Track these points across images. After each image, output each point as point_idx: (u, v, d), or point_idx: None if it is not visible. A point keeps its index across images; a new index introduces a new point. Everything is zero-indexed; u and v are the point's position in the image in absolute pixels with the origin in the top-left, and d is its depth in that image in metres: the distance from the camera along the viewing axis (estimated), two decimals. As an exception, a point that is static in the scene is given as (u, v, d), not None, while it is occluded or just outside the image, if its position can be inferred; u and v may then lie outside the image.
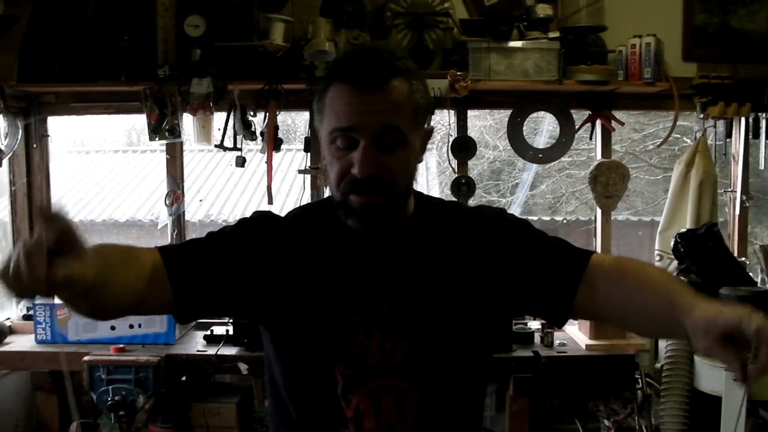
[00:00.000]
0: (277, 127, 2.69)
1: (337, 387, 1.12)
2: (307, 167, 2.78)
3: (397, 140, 1.10)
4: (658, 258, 2.76)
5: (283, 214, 1.26)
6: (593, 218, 3.11)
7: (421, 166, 1.23)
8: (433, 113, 1.28)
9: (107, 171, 6.64)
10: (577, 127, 2.88)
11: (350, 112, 1.08)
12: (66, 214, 0.84)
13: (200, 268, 1.13)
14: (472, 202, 2.92)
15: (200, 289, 1.13)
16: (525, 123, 2.88)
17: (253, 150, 2.87)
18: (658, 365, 2.56)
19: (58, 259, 0.82)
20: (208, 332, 2.61)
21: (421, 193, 1.27)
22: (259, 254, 1.16)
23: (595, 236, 3.02)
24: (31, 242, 0.81)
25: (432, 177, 6.16)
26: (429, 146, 1.27)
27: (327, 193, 2.75)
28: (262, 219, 1.23)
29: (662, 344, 2.52)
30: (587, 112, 2.87)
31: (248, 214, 1.26)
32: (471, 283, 1.18)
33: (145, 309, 1.14)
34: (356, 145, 1.09)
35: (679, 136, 5.01)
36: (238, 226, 1.21)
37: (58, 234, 0.82)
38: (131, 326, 2.56)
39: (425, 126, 1.19)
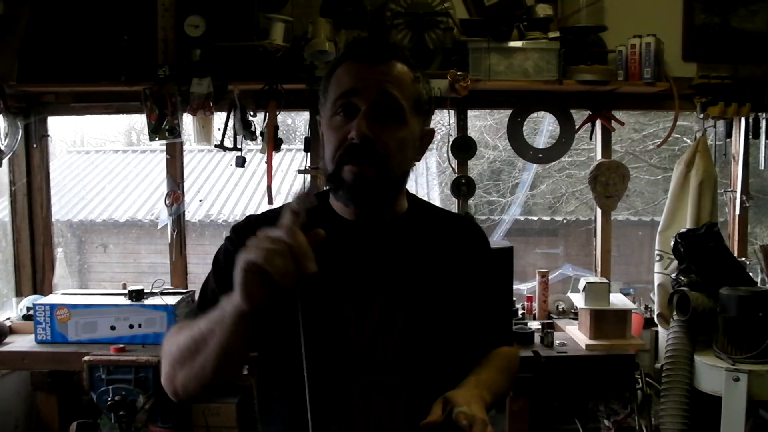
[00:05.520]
0: (277, 127, 2.69)
1: (328, 382, 1.12)
2: (307, 167, 2.78)
3: (395, 113, 1.13)
4: (658, 258, 2.76)
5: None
6: (593, 218, 3.12)
7: (420, 166, 1.25)
8: (433, 113, 1.30)
9: (107, 171, 6.63)
10: (577, 127, 2.88)
11: (353, 79, 1.13)
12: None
13: None
14: (471, 203, 2.92)
15: None
16: (525, 123, 2.88)
17: (253, 150, 2.87)
18: (658, 365, 2.57)
19: None
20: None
21: (414, 195, 1.29)
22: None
23: (595, 236, 3.02)
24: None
25: (432, 177, 6.14)
26: (429, 148, 1.28)
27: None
28: (238, 237, 1.18)
29: (662, 344, 2.52)
30: (587, 112, 2.87)
31: (244, 217, 1.26)
32: (456, 283, 1.20)
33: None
34: (356, 114, 1.11)
35: (679, 136, 5.00)
36: (219, 258, 1.20)
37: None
38: (131, 326, 2.56)
39: (425, 121, 1.21)
